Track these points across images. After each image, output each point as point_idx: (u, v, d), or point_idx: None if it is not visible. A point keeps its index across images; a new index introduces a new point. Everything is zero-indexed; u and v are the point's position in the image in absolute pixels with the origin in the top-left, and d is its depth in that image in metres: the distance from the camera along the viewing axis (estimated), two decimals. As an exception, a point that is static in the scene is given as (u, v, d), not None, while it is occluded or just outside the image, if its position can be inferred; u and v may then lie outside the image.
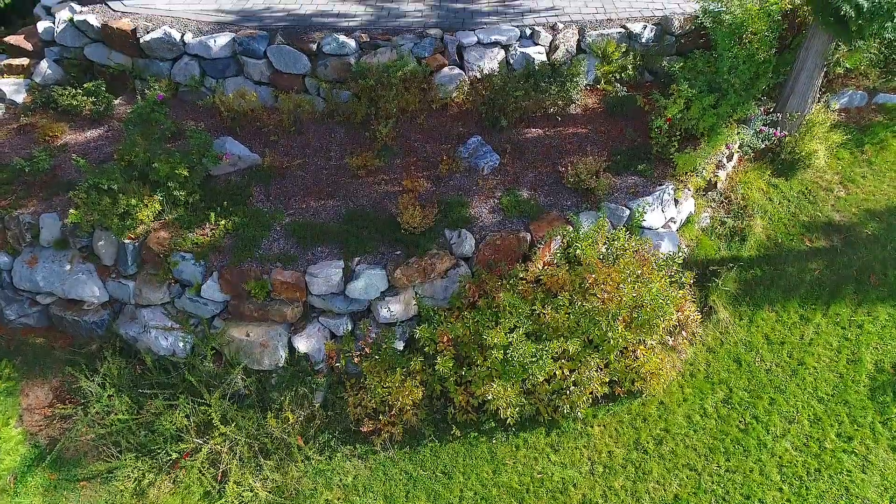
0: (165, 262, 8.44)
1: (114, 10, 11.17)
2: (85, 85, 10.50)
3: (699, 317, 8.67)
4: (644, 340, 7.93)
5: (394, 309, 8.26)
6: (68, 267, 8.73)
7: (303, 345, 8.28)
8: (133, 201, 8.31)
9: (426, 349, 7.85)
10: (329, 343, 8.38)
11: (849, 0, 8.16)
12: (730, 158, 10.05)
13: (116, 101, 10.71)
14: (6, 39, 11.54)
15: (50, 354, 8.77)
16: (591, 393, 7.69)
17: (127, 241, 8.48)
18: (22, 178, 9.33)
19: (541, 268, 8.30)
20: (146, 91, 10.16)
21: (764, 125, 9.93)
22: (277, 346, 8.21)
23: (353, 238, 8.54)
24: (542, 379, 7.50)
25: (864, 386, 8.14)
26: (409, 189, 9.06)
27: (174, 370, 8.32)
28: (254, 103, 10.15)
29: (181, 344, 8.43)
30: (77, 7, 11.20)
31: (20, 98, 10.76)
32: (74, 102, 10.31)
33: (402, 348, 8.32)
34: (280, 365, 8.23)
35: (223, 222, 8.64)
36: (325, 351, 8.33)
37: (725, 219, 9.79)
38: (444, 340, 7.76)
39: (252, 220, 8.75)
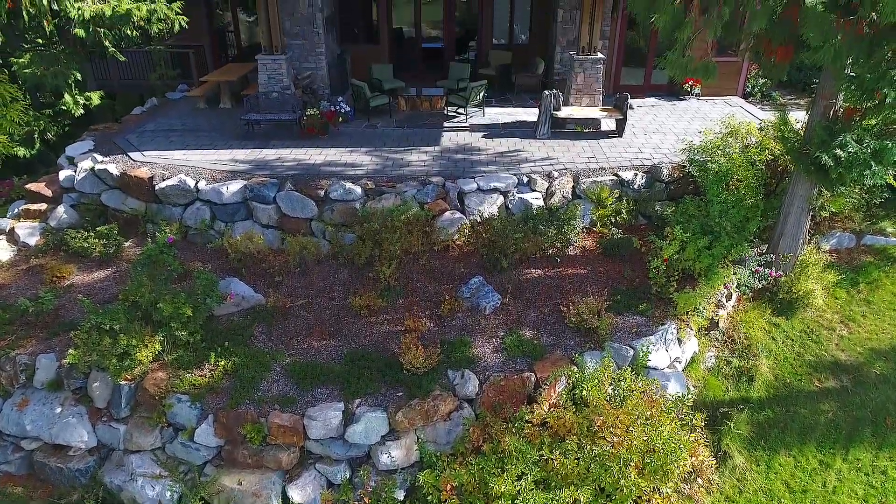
0: (160, 404, 8.19)
1: (133, 160, 11.84)
2: (98, 228, 10.85)
3: (714, 462, 8.27)
4: (658, 488, 7.49)
5: (395, 454, 7.89)
6: (59, 409, 8.45)
7: (298, 495, 7.80)
8: (133, 341, 8.25)
9: (429, 498, 7.39)
10: (325, 493, 7.90)
11: (827, 151, 8.71)
12: (729, 298, 10.15)
13: (127, 244, 11.00)
14: (28, 186, 12.10)
15: (27, 506, 8.23)
16: (606, 549, 7.13)
17: (123, 382, 8.30)
18: (24, 319, 9.33)
19: (547, 410, 8.06)
20: (157, 234, 10.48)
21: (759, 265, 10.15)
22: (271, 497, 7.73)
23: (354, 379, 8.37)
24: (552, 533, 6.98)
25: (898, 540, 7.59)
26: (412, 329, 9.04)
27: (158, 524, 7.77)
28: (260, 245, 10.43)
29: (168, 494, 7.94)
30: (99, 157, 11.87)
31: (33, 241, 11.07)
32: (85, 245, 10.59)
33: (402, 498, 7.84)
34: (272, 517, 7.70)
35: (223, 363, 8.52)
36: (322, 502, 7.84)
37: (731, 358, 9.69)
38: (448, 489, 7.33)
39: (252, 361, 8.62)
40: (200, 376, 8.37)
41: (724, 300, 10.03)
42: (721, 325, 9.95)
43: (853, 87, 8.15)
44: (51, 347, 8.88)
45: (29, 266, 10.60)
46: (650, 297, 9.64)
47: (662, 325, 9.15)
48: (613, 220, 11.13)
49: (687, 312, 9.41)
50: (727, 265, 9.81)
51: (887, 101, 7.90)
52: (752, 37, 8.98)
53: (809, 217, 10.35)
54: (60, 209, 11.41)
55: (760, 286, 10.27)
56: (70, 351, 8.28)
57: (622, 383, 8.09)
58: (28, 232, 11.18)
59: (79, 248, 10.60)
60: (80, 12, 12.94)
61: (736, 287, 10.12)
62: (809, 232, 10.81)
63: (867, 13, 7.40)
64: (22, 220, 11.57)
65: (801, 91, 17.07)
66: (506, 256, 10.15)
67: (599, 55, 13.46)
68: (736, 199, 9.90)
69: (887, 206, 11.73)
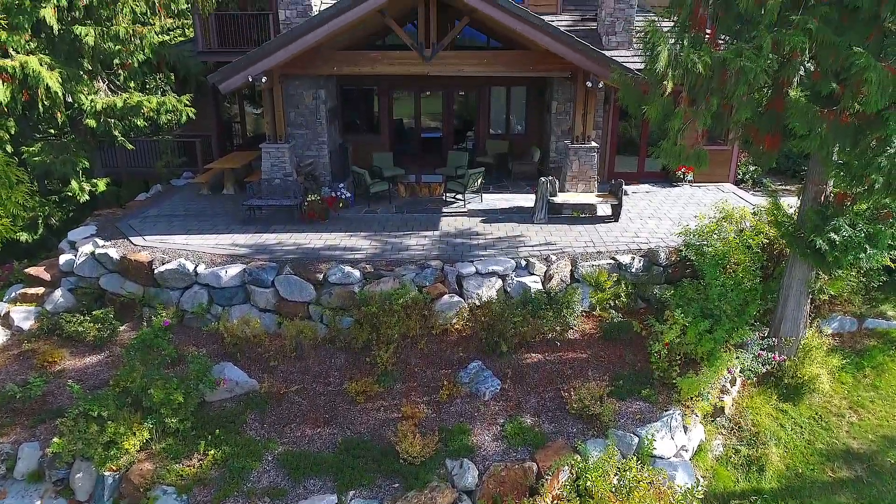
0: (145, 496, 7.82)
1: (134, 245, 11.93)
2: (94, 312, 10.77)
3: (729, 560, 7.81)
4: (671, 590, 7.04)
5: (390, 552, 7.46)
6: (38, 503, 8.05)
7: None
8: (121, 429, 7.99)
9: None
10: None
11: (821, 235, 8.80)
12: (733, 383, 9.94)
13: (122, 328, 10.88)
14: (27, 270, 12.12)
15: None
16: None
17: (107, 473, 7.96)
18: (10, 405, 9.07)
19: (550, 502, 7.69)
20: (153, 318, 10.39)
21: (761, 349, 10.01)
22: None
23: (348, 469, 8.04)
24: None
25: None
26: (409, 416, 8.78)
27: None
28: (257, 329, 10.32)
29: None
30: (100, 241, 11.97)
31: (28, 325, 10.96)
32: (80, 329, 10.47)
33: None
34: None
35: (212, 452, 8.21)
36: None
37: (739, 447, 9.36)
38: (446, 591, 6.87)
39: (243, 450, 8.31)
40: (189, 466, 8.04)
41: (728, 385, 9.81)
42: (727, 411, 9.68)
43: (842, 173, 8.35)
44: (35, 436, 8.59)
45: (21, 350, 10.43)
46: (653, 381, 9.44)
47: (667, 411, 8.90)
48: (613, 304, 11.09)
49: (691, 398, 9.19)
50: (729, 349, 9.67)
51: (876, 186, 8.07)
52: (740, 126, 9.29)
53: (809, 300, 10.31)
54: (57, 293, 11.37)
55: (764, 371, 10.08)
56: (55, 439, 8.00)
57: (628, 473, 7.77)
58: (23, 316, 11.09)
59: (73, 333, 10.48)
60: (92, 104, 13.47)
61: (740, 372, 9.93)
62: (810, 315, 10.74)
63: (850, 104, 7.69)
64: (18, 303, 11.51)
65: (791, 178, 17.51)
66: (505, 340, 10.03)
67: (593, 144, 13.89)
68: (734, 283, 9.90)
69: (886, 290, 11.71)
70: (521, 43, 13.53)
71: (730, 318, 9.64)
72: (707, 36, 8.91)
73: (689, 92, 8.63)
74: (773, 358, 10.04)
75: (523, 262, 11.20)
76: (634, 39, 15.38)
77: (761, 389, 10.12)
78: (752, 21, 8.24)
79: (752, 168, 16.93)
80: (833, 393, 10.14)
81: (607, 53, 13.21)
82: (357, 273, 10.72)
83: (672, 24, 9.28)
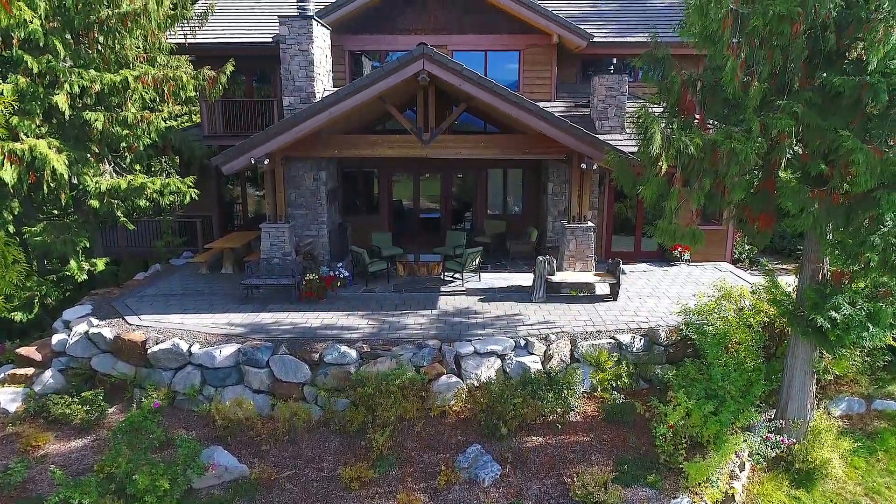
0: None
1: (129, 324, 11.81)
2: (83, 394, 10.50)
3: None
4: None
5: None
6: None
7: None
8: (102, 519, 7.61)
9: None
10: None
11: (821, 313, 8.75)
12: (742, 468, 9.57)
13: (111, 410, 10.58)
14: (18, 350, 11.93)
15: None
16: None
17: (84, 567, 7.50)
18: (-12, 493, 8.68)
19: None
20: (143, 399, 10.12)
21: (769, 432, 9.72)
22: None
23: (340, 563, 7.59)
24: None
25: None
26: None
27: None
28: (250, 411, 10.03)
29: None
30: (95, 321, 11.86)
31: (14, 407, 10.66)
32: (67, 411, 10.18)
33: None
34: None
35: (197, 544, 7.78)
36: None
37: (752, 537, 8.89)
38: None
39: (229, 541, 7.88)
40: (171, 560, 7.60)
41: (737, 470, 9.44)
42: (738, 498, 9.26)
43: (836, 251, 8.40)
44: (11, 526, 8.17)
45: (4, 434, 10.10)
46: (658, 466, 9.09)
47: (675, 498, 8.52)
48: (614, 385, 10.85)
49: (700, 484, 8.82)
50: (736, 432, 9.38)
51: (872, 265, 8.10)
52: (733, 206, 9.44)
53: (814, 380, 10.11)
54: (47, 374, 11.14)
55: (774, 455, 9.73)
56: (31, 530, 7.60)
57: (636, 567, 7.33)
58: (10, 398, 10.81)
59: (59, 415, 10.18)
60: (97, 185, 13.71)
61: (748, 456, 9.59)
62: (816, 396, 10.49)
63: (839, 183, 7.84)
64: (6, 385, 11.25)
65: (788, 257, 17.62)
66: (505, 423, 9.73)
67: (590, 223, 14.07)
68: (737, 363, 9.74)
69: (892, 369, 11.52)
70: (517, 127, 13.97)
71: (735, 399, 9.41)
72: (696, 120, 9.21)
73: (683, 172, 8.82)
74: (782, 441, 9.72)
75: (522, 342, 11.06)
76: (626, 125, 15.91)
77: (772, 475, 9.74)
78: (740, 105, 8.54)
79: (748, 247, 17.07)
80: (847, 478, 9.75)
81: (601, 137, 13.61)
82: (353, 353, 10.55)
83: (662, 109, 9.61)
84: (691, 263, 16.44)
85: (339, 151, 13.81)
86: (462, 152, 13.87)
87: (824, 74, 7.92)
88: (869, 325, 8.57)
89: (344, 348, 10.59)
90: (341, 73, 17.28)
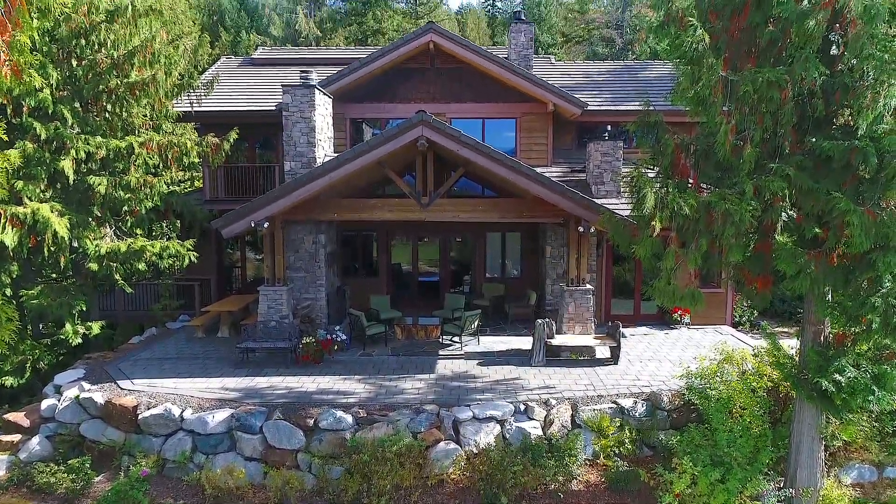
0: None
1: (121, 388, 11.59)
2: (70, 461, 10.19)
3: None
4: None
5: None
6: None
7: None
8: None
9: None
10: None
11: (825, 376, 8.59)
12: (753, 541, 9.17)
13: (97, 479, 10.23)
14: (6, 416, 11.65)
15: None
16: None
17: None
18: (-37, 568, 8.27)
19: None
20: (131, 467, 9.81)
21: (778, 501, 9.36)
22: None
23: None
24: None
25: None
26: (401, 579, 7.98)
27: None
28: (241, 480, 9.70)
29: None
30: (86, 385, 11.64)
31: (-3, 475, 10.31)
32: (52, 480, 9.85)
33: None
34: None
35: None
36: None
37: None
38: None
39: None
40: None
41: (748, 543, 9.05)
42: (749, 574, 8.83)
43: (836, 313, 8.34)
44: None
45: (-15, 505, 9.73)
46: (666, 539, 8.71)
47: (683, 573, 8.11)
48: (617, 451, 10.54)
49: (709, 558, 8.43)
50: (745, 501, 9.04)
51: (874, 326, 8.02)
52: (731, 268, 9.44)
53: (823, 446, 9.82)
54: (34, 440, 10.83)
55: (785, 526, 9.35)
56: None
57: None
58: (-6, 466, 10.47)
59: (44, 484, 9.84)
60: (97, 248, 13.77)
61: (759, 527, 9.21)
62: (826, 463, 10.17)
63: (833, 245, 7.87)
64: (-9, 452, 10.92)
65: (788, 320, 17.49)
66: (504, 492, 9.40)
67: (588, 286, 14.04)
68: (742, 428, 9.50)
69: (901, 436, 11.22)
70: (515, 191, 14.16)
71: (741, 466, 9.12)
72: (690, 183, 9.34)
73: (678, 233, 8.87)
74: (793, 511, 9.36)
75: (522, 407, 10.81)
76: (622, 189, 16.14)
77: (784, 548, 9.32)
78: (732, 169, 8.68)
79: (748, 310, 16.97)
80: (863, 552, 9.33)
81: (597, 201, 13.77)
82: (349, 418, 10.30)
83: (655, 172, 9.77)
84: (691, 327, 16.30)
85: (339, 215, 13.95)
86: (460, 216, 14.00)
87: (814, 139, 8.10)
88: (875, 388, 8.40)
89: (339, 413, 10.35)
90: (342, 139, 17.67)
